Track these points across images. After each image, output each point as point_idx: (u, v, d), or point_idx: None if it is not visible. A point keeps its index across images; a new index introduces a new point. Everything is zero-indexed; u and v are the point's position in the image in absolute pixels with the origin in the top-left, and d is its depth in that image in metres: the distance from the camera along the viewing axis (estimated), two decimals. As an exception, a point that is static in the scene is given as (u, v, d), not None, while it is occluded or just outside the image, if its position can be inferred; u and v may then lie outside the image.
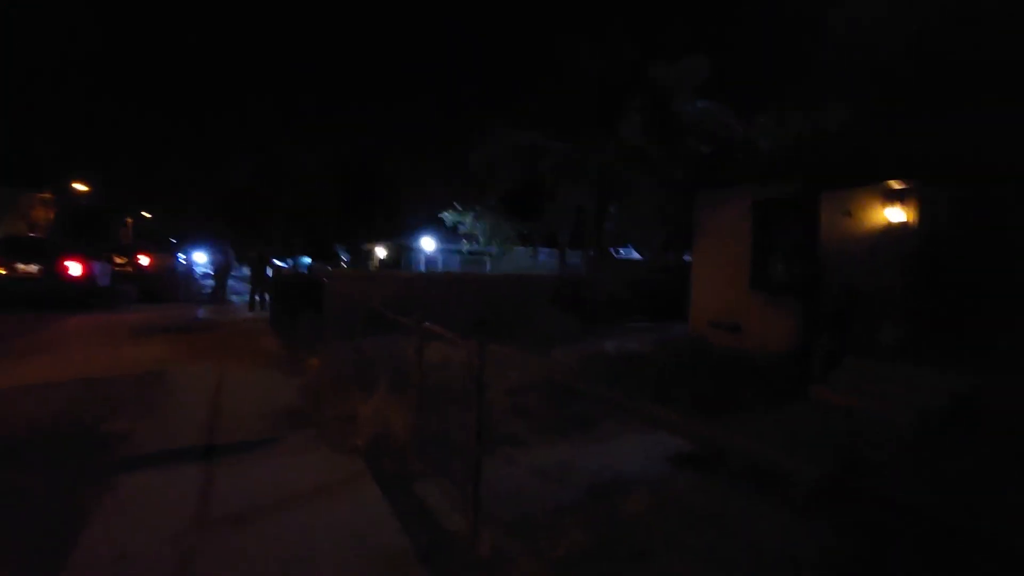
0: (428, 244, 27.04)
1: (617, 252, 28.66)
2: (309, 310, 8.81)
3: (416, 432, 3.91)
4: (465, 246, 25.38)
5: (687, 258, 14.22)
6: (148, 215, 42.04)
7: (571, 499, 3.28)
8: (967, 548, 2.70)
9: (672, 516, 3.05)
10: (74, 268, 11.97)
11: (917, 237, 6.49)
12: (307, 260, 31.32)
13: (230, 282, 17.58)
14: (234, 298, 16.81)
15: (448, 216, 23.55)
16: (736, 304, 9.09)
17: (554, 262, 26.15)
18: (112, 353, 7.24)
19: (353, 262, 30.68)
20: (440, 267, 27.22)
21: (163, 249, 20.99)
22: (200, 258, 32.14)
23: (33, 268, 11.66)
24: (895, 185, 6.44)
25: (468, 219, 23.77)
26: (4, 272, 11.46)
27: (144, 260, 16.82)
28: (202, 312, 13.36)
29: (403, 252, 28.58)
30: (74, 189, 32.91)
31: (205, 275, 28.11)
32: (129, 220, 37.79)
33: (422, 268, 26.83)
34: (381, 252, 31.82)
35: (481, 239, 24.24)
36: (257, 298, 14.25)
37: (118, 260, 16.10)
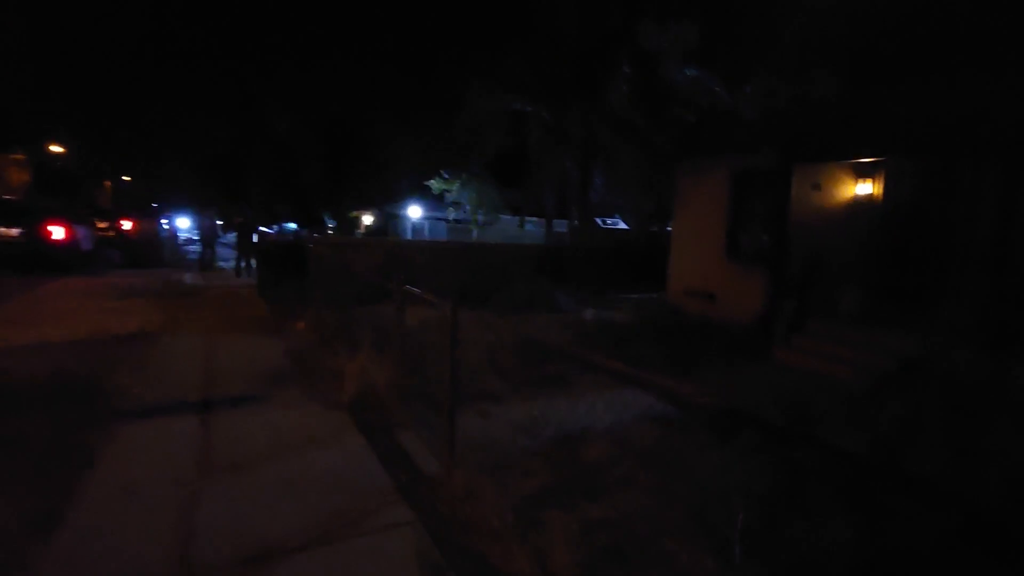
0: (414, 212, 26.99)
1: (604, 222, 28.84)
2: (295, 275, 8.97)
3: (397, 387, 4.19)
4: (451, 214, 25.43)
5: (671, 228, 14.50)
6: (128, 178, 41.14)
7: (539, 447, 3.60)
8: (878, 480, 3.07)
9: (629, 460, 3.38)
10: (57, 232, 11.92)
11: (878, 209, 6.79)
12: (292, 226, 31.10)
13: (217, 248, 17.55)
14: (221, 264, 16.81)
15: (434, 184, 23.47)
16: (711, 273, 9.41)
17: (541, 231, 26.30)
18: (101, 316, 7.38)
19: (339, 229, 30.54)
20: (426, 235, 27.24)
21: (145, 214, 20.75)
22: (183, 223, 31.73)
23: (15, 232, 11.59)
24: (859, 161, 6.69)
25: (455, 187, 23.73)
26: (-16, 235, 11.40)
27: (127, 224, 16.70)
28: (188, 277, 13.42)
29: (389, 220, 28.51)
30: (49, 150, 32.05)
31: (188, 240, 27.86)
32: (108, 183, 36.93)
33: (408, 236, 26.83)
34: (368, 219, 31.68)
35: (468, 207, 24.27)
36: (243, 264, 14.31)
37: (100, 224, 15.96)
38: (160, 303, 8.74)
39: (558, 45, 18.02)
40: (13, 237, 11.66)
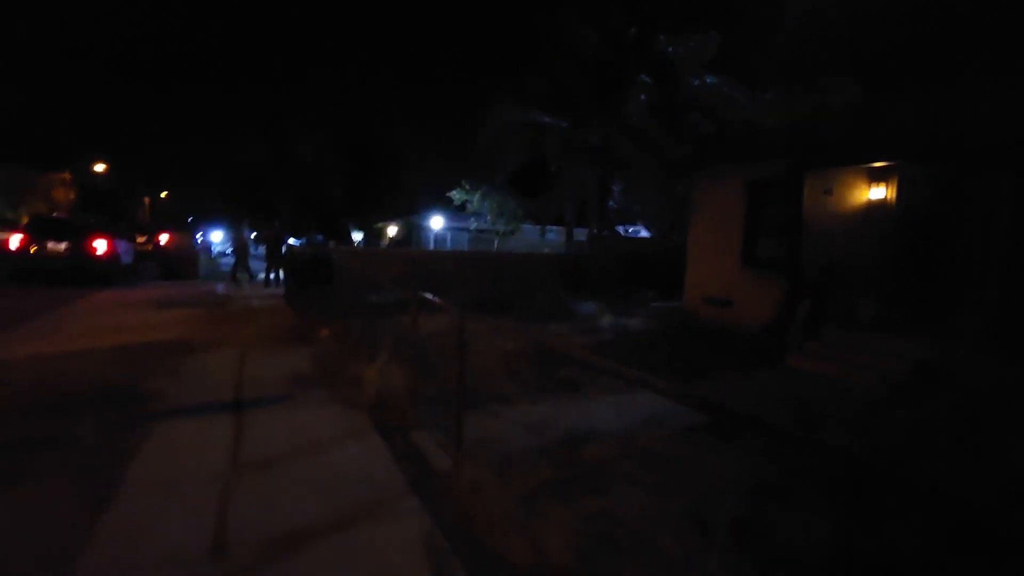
0: (437, 222, 27.46)
1: (626, 231, 28.84)
2: (320, 285, 9.34)
3: (413, 390, 4.42)
4: (473, 224, 25.79)
5: (690, 236, 14.50)
6: (165, 195, 42.94)
7: (545, 446, 3.77)
8: (872, 481, 3.14)
9: (631, 460, 3.52)
10: (100, 246, 12.61)
11: (891, 216, 6.78)
12: (320, 238, 31.93)
13: (249, 260, 18.25)
14: (253, 275, 17.45)
15: (456, 194, 23.92)
16: (728, 280, 9.44)
17: (562, 240, 26.45)
18: (140, 325, 7.84)
19: (364, 240, 31.26)
20: (448, 245, 27.68)
21: (181, 228, 21.66)
22: (216, 237, 32.92)
23: (61, 246, 12.33)
24: (871, 166, 6.71)
25: (476, 198, 24.13)
26: (35, 249, 12.16)
27: (164, 239, 17.49)
28: (221, 288, 14.00)
29: (412, 230, 29.07)
30: (93, 170, 33.74)
31: (221, 254, 28.88)
32: (147, 200, 38.61)
33: (431, 246, 27.30)
34: (392, 230, 32.36)
35: (489, 217, 24.61)
36: (272, 275, 14.86)
37: (139, 239, 16.78)
38: (194, 313, 9.20)
39: (576, 59, 18.29)
40: (60, 252, 12.40)
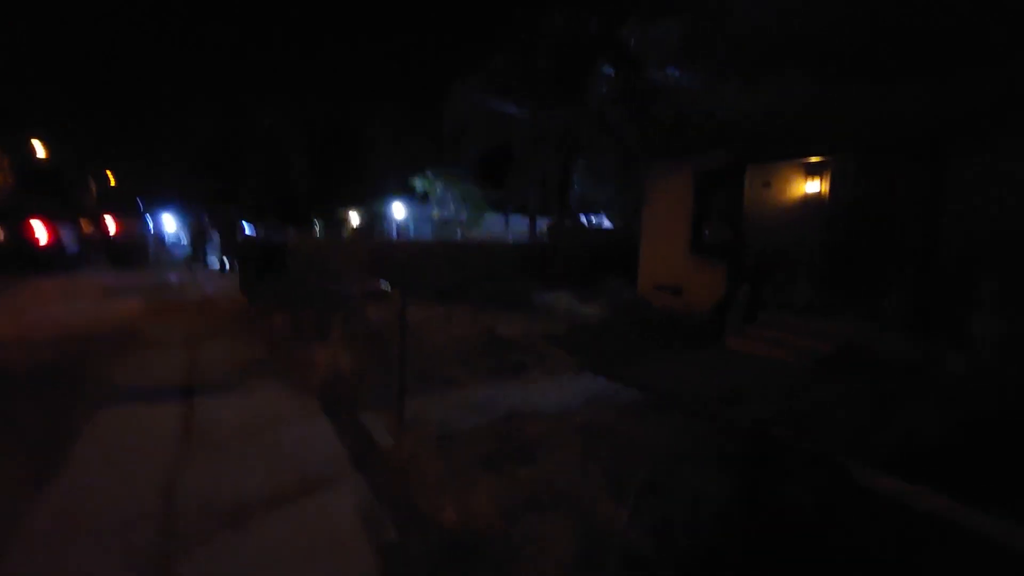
0: (399, 211, 27.26)
1: (590, 220, 29.28)
2: (274, 273, 9.27)
3: (362, 375, 4.54)
4: (436, 213, 25.74)
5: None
6: (113, 178, 40.95)
7: (487, 423, 3.96)
8: (771, 449, 3.48)
9: (565, 434, 3.75)
10: (40, 232, 12.11)
11: (824, 206, 7.24)
12: (273, 227, 31.19)
13: (206, 247, 17.79)
14: (209, 264, 17.03)
15: (419, 183, 23.80)
16: (678, 268, 9.84)
17: (526, 229, 26.68)
18: (87, 313, 7.65)
19: (326, 228, 30.75)
20: (412, 234, 27.53)
21: (130, 213, 20.86)
22: (170, 223, 31.73)
23: (-2, 232, 11.79)
24: (806, 161, 7.14)
25: (439, 186, 24.07)
26: (-33, 236, 11.59)
27: (111, 225, 16.86)
28: (173, 276, 13.64)
29: (375, 218, 28.76)
30: (31, 148, 31.89)
31: (174, 241, 27.91)
32: (94, 183, 36.76)
33: (394, 235, 27.11)
34: (355, 218, 31.88)
35: (452, 206, 24.61)
36: (227, 262, 14.57)
37: (85, 224, 16.12)
38: (144, 302, 9.00)
39: (541, 47, 18.40)
40: (-3, 238, 11.86)
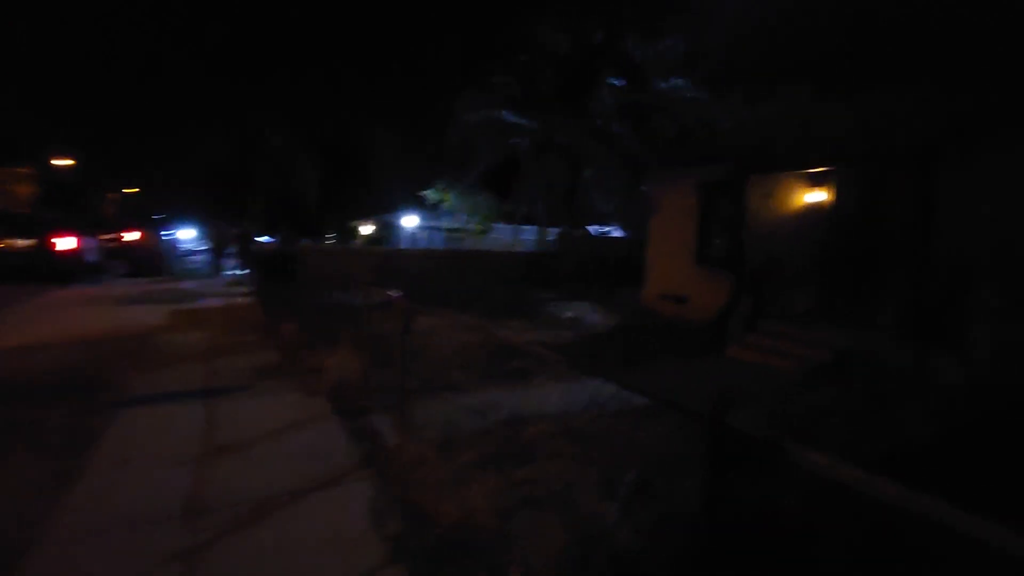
0: (410, 221, 27.61)
1: (600, 231, 29.35)
2: (287, 281, 9.53)
3: (369, 378, 4.72)
4: (446, 223, 26.00)
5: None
6: (131, 190, 41.92)
7: (488, 426, 4.11)
8: (759, 452, 3.59)
9: (563, 437, 3.89)
10: (64, 243, 12.51)
11: (825, 217, 7.34)
12: (282, 237, 31.73)
13: (224, 257, 18.24)
14: (225, 273, 17.42)
15: (430, 194, 24.11)
16: (683, 278, 9.94)
17: (536, 239, 26.87)
18: (107, 321, 7.93)
19: (338, 238, 31.19)
20: (423, 243, 27.83)
21: (147, 225, 21.37)
22: (185, 234, 32.41)
23: (25, 243, 12.19)
24: (808, 171, 7.26)
25: (449, 197, 24.37)
26: (-2, 246, 12.01)
27: (130, 236, 17.31)
28: (188, 285, 13.98)
29: (386, 229, 29.15)
30: (55, 164, 32.80)
31: (190, 251, 28.48)
32: (111, 195, 37.69)
33: (405, 244, 27.42)
34: (366, 229, 32.32)
35: (462, 216, 24.88)
36: (241, 271, 14.92)
37: (104, 236, 16.57)
38: (161, 309, 9.29)
39: (546, 59, 18.71)
40: (22, 248, 12.26)
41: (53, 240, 12.50)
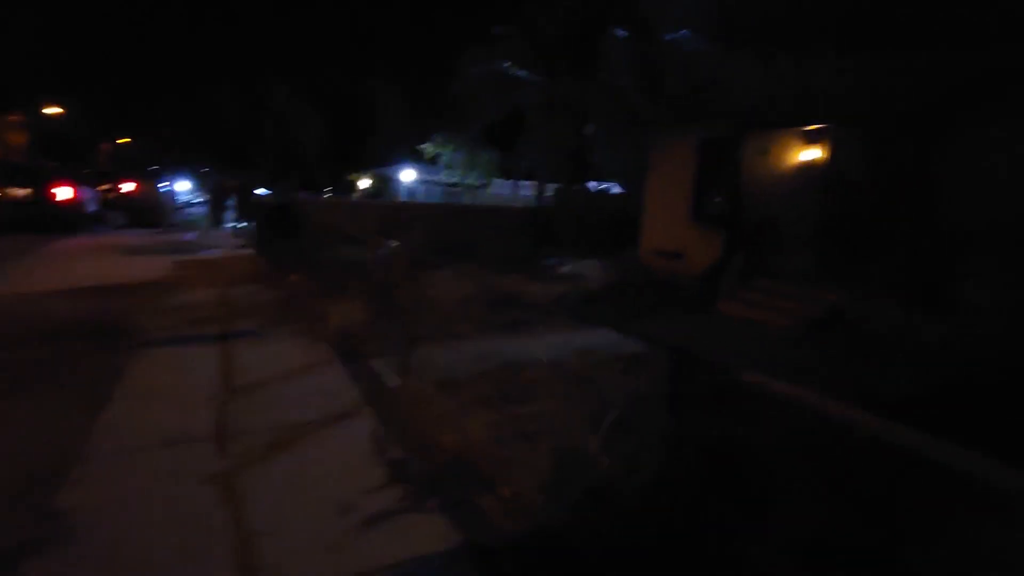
0: (408, 175, 27.39)
1: (599, 187, 29.17)
2: (288, 233, 9.66)
3: (372, 325, 4.95)
4: (445, 177, 25.81)
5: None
6: (123, 140, 41.19)
7: (488, 370, 4.36)
8: (739, 393, 3.85)
9: (559, 380, 4.15)
10: (63, 193, 12.53)
11: (820, 175, 7.41)
12: (285, 189, 31.54)
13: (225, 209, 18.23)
14: (224, 226, 17.47)
15: (428, 148, 23.83)
16: (679, 234, 10.07)
17: (534, 195, 26.75)
18: (113, 269, 8.11)
19: (336, 191, 31.01)
20: (420, 198, 27.70)
21: (143, 176, 21.21)
22: (181, 186, 32.13)
23: (23, 192, 12.21)
24: (805, 129, 7.28)
25: (448, 151, 24.10)
26: (-4, 196, 12.04)
27: (127, 186, 17.25)
28: (188, 236, 14.09)
29: (384, 183, 28.94)
30: (48, 112, 32.13)
31: (187, 203, 28.35)
32: (106, 146, 37.07)
33: (403, 198, 27.31)
34: (364, 183, 32.08)
35: (460, 171, 24.69)
36: (240, 224, 14.99)
37: (102, 186, 16.52)
38: (166, 259, 9.46)
39: (550, 10, 18.13)
40: (21, 198, 12.28)
41: (53, 190, 12.51)
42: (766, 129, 7.75)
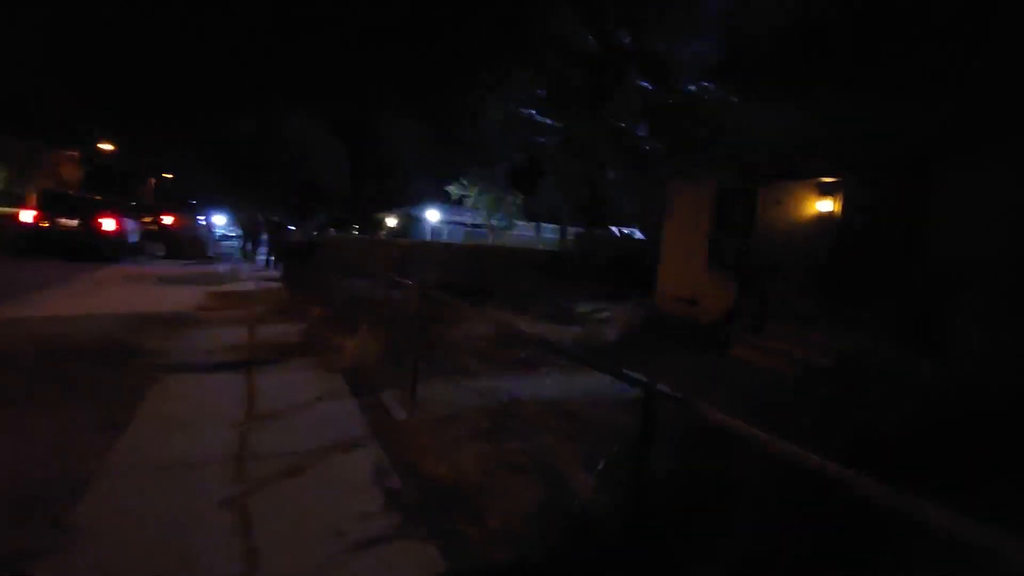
0: (434, 216, 28.15)
1: (621, 231, 29.44)
2: (315, 269, 10.05)
3: (383, 359, 5.12)
4: (469, 219, 26.47)
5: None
6: (167, 176, 43.55)
7: (489, 406, 4.47)
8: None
9: (558, 418, 4.23)
10: (108, 224, 13.29)
11: (837, 224, 7.47)
12: (308, 225, 32.74)
13: (258, 244, 19.04)
14: (257, 259, 18.19)
15: (453, 189, 24.60)
16: (695, 280, 10.14)
17: (557, 238, 27.15)
18: (148, 297, 8.55)
19: (364, 229, 32.01)
20: (444, 237, 28.36)
21: (183, 209, 22.30)
22: (218, 220, 33.59)
23: (72, 222, 13.01)
24: (817, 180, 7.41)
25: (473, 192, 24.81)
26: (47, 225, 12.84)
27: (168, 219, 18.17)
28: (222, 268, 14.70)
29: (410, 222, 29.78)
30: (100, 148, 34.35)
31: (223, 237, 29.59)
32: (152, 180, 39.20)
33: (427, 237, 28.00)
34: (391, 221, 33.10)
35: (484, 212, 25.31)
36: (272, 258, 15.60)
37: (144, 218, 17.46)
38: (199, 289, 9.91)
39: (571, 58, 18.89)
40: (71, 228, 13.07)
41: (99, 220, 13.29)
42: (780, 179, 7.90)
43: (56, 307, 7.12)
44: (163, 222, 18.10)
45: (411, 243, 19.89)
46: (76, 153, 31.88)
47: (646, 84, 18.50)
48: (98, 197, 15.57)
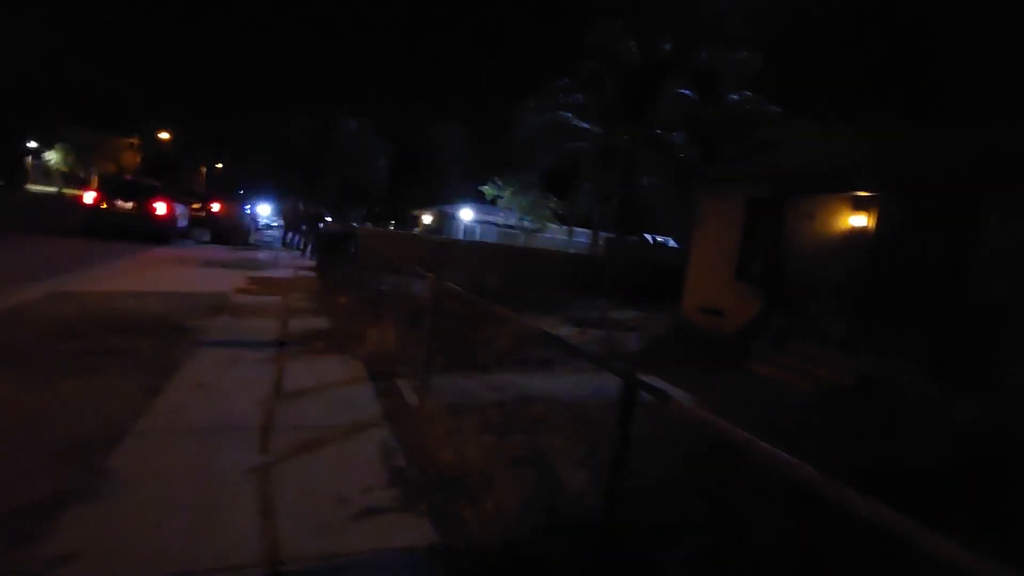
0: (467, 214, 28.52)
1: (655, 239, 29.17)
2: (348, 260, 10.41)
3: (402, 347, 5.33)
4: (501, 219, 26.74)
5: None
6: (217, 165, 45.52)
7: (501, 401, 4.61)
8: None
9: (567, 417, 4.33)
10: (160, 208, 14.06)
11: (870, 241, 7.31)
12: (347, 218, 33.64)
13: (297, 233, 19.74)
14: (296, 248, 18.88)
15: (487, 189, 24.90)
16: (722, 292, 10.03)
17: (588, 243, 27.11)
18: (191, 278, 9.06)
19: (399, 225, 32.71)
20: (477, 236, 28.71)
21: (231, 198, 23.29)
22: (262, 210, 34.91)
23: (128, 205, 13.82)
24: (851, 195, 7.25)
25: (507, 194, 25.06)
26: (105, 207, 13.69)
27: (216, 206, 19.05)
28: (262, 256, 15.34)
29: (444, 220, 30.27)
30: (158, 137, 36.26)
31: (266, 225, 30.75)
32: (203, 169, 41.09)
33: (460, 236, 28.41)
34: (427, 218, 33.73)
35: (518, 213, 25.51)
36: (309, 247, 16.19)
37: (194, 205, 18.36)
38: (239, 274, 10.42)
39: (613, 67, 18.92)
40: (127, 210, 13.89)
41: (153, 205, 14.07)
42: (812, 193, 7.77)
43: (109, 283, 7.64)
44: (211, 209, 18.99)
45: (442, 240, 20.25)
46: (135, 140, 33.75)
47: (687, 92, 18.33)
48: (152, 183, 16.48)
